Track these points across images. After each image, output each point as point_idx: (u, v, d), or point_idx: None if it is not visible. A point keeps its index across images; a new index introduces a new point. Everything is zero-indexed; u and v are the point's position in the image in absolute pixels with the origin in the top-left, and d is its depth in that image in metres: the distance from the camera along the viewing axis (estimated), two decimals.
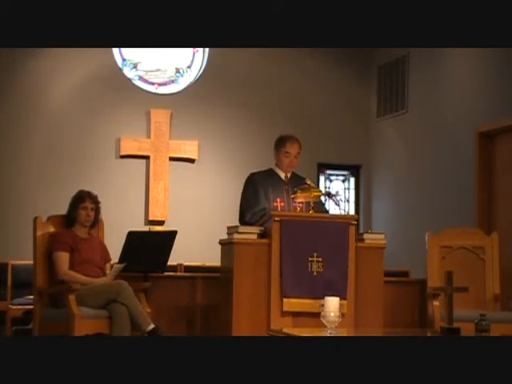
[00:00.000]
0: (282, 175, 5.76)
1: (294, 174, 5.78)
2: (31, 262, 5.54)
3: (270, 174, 5.76)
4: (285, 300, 5.15)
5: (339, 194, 9.60)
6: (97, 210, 5.62)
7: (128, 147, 8.99)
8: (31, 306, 5.81)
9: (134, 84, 9.19)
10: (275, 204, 5.59)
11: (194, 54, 9.46)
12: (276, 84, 9.41)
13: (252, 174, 5.78)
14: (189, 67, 9.44)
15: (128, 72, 9.23)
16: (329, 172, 9.77)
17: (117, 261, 5.67)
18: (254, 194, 5.63)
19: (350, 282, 5.24)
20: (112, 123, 8.96)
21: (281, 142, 5.74)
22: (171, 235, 5.89)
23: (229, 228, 5.45)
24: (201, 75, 9.36)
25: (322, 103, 9.54)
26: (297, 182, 5.60)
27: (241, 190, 5.80)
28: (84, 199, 5.56)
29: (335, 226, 5.28)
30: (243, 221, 5.59)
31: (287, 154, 5.70)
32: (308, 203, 5.42)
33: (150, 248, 5.73)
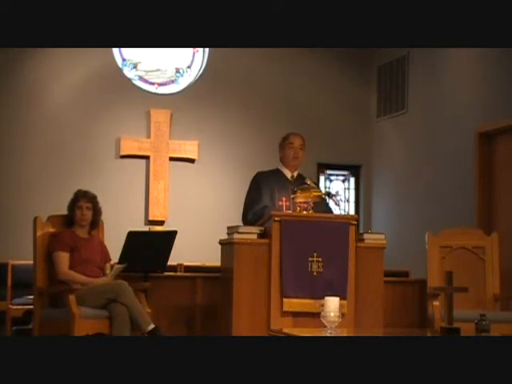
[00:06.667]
0: (289, 175, 5.77)
1: (299, 175, 5.79)
2: (31, 262, 5.54)
3: (276, 173, 5.79)
4: (285, 300, 5.15)
5: (339, 194, 9.60)
6: (95, 210, 5.62)
7: (128, 147, 8.99)
8: (31, 306, 5.81)
9: (134, 84, 9.19)
10: (280, 203, 5.60)
11: (193, 54, 9.46)
12: (276, 84, 9.41)
13: (258, 173, 5.83)
14: (189, 67, 9.45)
15: (128, 72, 9.23)
16: (329, 172, 9.77)
17: (117, 261, 5.67)
18: (258, 192, 5.65)
19: (350, 282, 5.24)
20: (112, 123, 8.96)
21: (284, 138, 5.81)
22: (171, 235, 5.89)
23: (229, 228, 5.46)
24: (201, 75, 9.37)
25: (321, 103, 9.55)
26: (302, 183, 5.60)
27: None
28: (79, 199, 5.57)
29: (335, 226, 5.28)
30: (245, 219, 5.60)
31: (290, 144, 5.74)
32: (315, 203, 5.43)
33: (149, 248, 5.73)
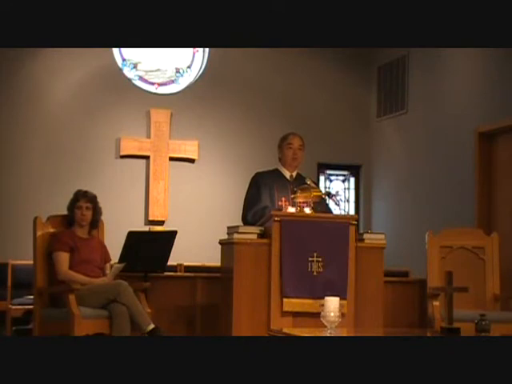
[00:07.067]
0: (288, 175, 5.77)
1: (298, 175, 5.79)
2: (31, 262, 5.54)
3: (275, 173, 5.78)
4: (285, 300, 5.15)
5: (339, 194, 9.60)
6: (95, 210, 5.62)
7: (128, 147, 8.99)
8: (31, 306, 5.82)
9: (134, 84, 9.19)
10: (280, 203, 5.60)
11: (193, 54, 9.46)
12: (276, 84, 9.41)
13: (257, 174, 5.82)
14: (189, 67, 9.45)
15: (128, 72, 9.23)
16: (329, 172, 9.77)
17: (117, 261, 5.68)
18: (257, 193, 5.65)
19: (350, 282, 5.24)
20: (112, 123, 8.96)
21: (283, 138, 5.81)
22: (171, 235, 5.89)
23: (229, 228, 5.45)
24: (201, 75, 9.36)
25: (321, 103, 9.55)
26: (302, 182, 5.60)
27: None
28: (78, 199, 5.57)
29: (335, 225, 5.28)
30: (245, 220, 5.60)
31: (290, 145, 5.73)
32: (315, 203, 5.43)
33: (149, 248, 5.73)
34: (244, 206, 5.70)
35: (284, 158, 5.77)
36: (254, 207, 5.60)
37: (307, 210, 5.39)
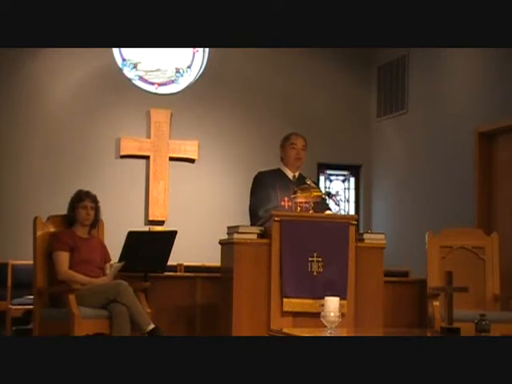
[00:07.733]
0: (290, 175, 5.76)
1: (301, 175, 5.78)
2: (31, 262, 5.54)
3: (277, 173, 5.77)
4: (285, 300, 5.15)
5: (339, 194, 9.60)
6: (96, 210, 5.63)
7: (128, 147, 8.99)
8: (31, 306, 5.82)
9: (134, 84, 9.20)
10: (282, 203, 5.59)
11: (193, 54, 9.46)
12: (276, 84, 9.41)
13: (260, 173, 5.79)
14: (189, 67, 9.45)
15: (128, 72, 9.23)
16: (329, 172, 9.77)
17: (117, 261, 5.68)
18: (264, 191, 5.62)
19: (350, 282, 5.24)
20: (112, 123, 8.96)
21: (286, 138, 5.78)
22: (171, 235, 5.89)
23: (229, 228, 5.45)
24: (201, 75, 9.37)
25: (321, 103, 9.55)
26: (304, 183, 5.58)
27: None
28: (83, 198, 5.58)
29: (335, 225, 5.27)
30: (256, 216, 5.54)
31: (293, 145, 5.72)
32: (315, 203, 5.42)
33: (149, 248, 5.73)
34: (252, 204, 5.63)
35: (287, 158, 5.75)
36: (266, 205, 5.55)
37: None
